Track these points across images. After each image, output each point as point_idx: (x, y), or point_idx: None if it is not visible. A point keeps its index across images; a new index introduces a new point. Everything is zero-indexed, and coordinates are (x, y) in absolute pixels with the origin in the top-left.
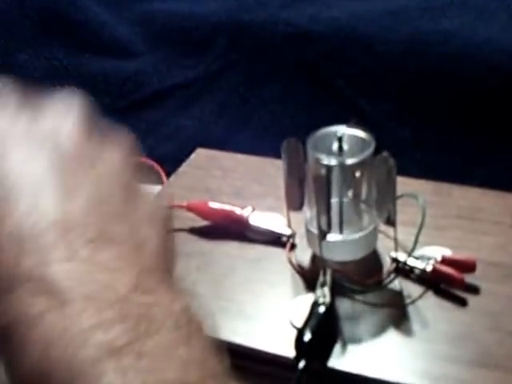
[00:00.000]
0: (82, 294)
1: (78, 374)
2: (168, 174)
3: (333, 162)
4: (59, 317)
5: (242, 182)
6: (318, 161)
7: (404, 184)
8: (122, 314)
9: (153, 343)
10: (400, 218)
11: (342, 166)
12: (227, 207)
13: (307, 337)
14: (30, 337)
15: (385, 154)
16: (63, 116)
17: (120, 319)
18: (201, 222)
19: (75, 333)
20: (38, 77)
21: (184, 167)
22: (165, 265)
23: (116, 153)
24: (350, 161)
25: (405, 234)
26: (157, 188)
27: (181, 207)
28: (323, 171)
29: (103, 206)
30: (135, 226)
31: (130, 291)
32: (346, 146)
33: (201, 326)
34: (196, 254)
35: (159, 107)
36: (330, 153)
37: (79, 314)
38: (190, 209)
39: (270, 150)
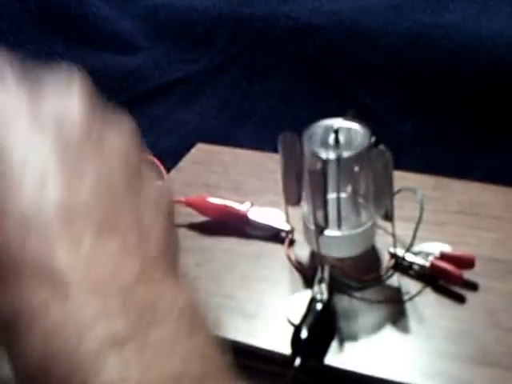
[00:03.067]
0: (86, 285)
1: (79, 368)
2: (168, 169)
3: (329, 155)
4: (62, 308)
5: (241, 177)
6: (313, 154)
7: (404, 178)
8: (126, 306)
9: (155, 335)
10: (399, 213)
11: (339, 160)
12: (226, 202)
13: (304, 334)
14: (33, 328)
15: (381, 147)
16: (66, 94)
17: (123, 311)
18: (200, 218)
19: (76, 326)
20: None
21: (184, 162)
22: (169, 256)
23: (121, 136)
24: (346, 154)
25: (404, 229)
26: (157, 183)
27: (179, 203)
28: (319, 164)
29: (108, 193)
30: (140, 215)
31: (134, 282)
32: (342, 139)
33: (203, 320)
34: (195, 249)
35: (160, 102)
36: (326, 146)
37: (82, 305)
38: (188, 204)
39: (272, 145)
